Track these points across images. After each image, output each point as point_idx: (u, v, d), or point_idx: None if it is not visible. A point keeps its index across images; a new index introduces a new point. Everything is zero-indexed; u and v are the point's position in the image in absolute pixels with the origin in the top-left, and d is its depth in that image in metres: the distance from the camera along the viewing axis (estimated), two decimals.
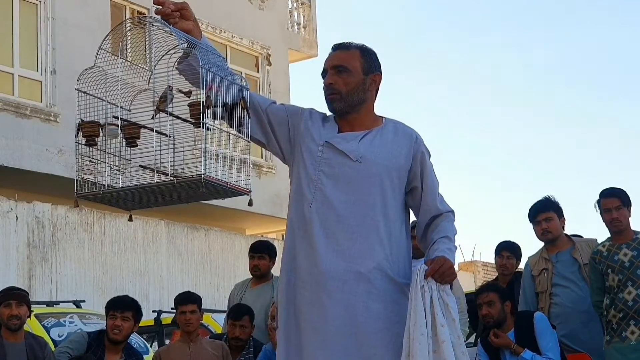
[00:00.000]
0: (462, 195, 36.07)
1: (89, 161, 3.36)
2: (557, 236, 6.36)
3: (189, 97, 3.31)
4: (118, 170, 3.38)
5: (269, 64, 18.23)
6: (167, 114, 3.31)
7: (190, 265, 15.48)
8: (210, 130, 3.25)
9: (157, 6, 3.33)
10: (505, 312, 5.94)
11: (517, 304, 6.43)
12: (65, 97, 13.23)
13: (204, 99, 3.19)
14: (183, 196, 3.38)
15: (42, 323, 8.18)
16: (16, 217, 12.76)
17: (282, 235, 25.49)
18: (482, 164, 37.81)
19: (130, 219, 3.62)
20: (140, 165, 3.36)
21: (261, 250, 6.95)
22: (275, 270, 5.64)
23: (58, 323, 8.44)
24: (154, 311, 10.92)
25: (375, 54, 3.56)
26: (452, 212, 3.51)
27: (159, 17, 3.34)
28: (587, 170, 38.05)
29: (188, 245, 15.47)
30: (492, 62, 38.40)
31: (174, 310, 6.75)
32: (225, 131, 3.34)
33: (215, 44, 17.50)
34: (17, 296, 6.12)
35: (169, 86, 3.32)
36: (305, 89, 37.31)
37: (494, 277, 9.30)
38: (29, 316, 6.34)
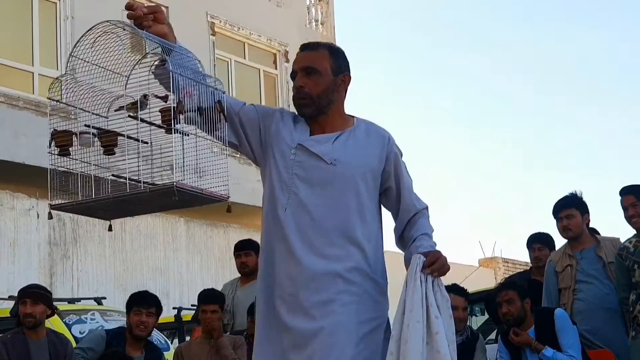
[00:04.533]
0: (483, 190, 35.99)
1: (64, 171, 3.28)
2: (578, 233, 6.33)
3: (166, 101, 3.24)
4: (95, 180, 3.31)
5: (287, 60, 18.23)
6: (138, 120, 3.25)
7: (210, 262, 15.52)
8: (188, 135, 3.20)
9: (129, 11, 3.23)
10: (525, 310, 5.93)
11: None
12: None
13: (176, 104, 3.12)
14: (161, 204, 3.30)
15: (64, 320, 8.21)
16: (37, 214, 12.83)
17: None
18: (504, 159, 37.71)
19: (109, 229, 3.58)
20: (112, 175, 3.29)
21: (246, 247, 6.99)
22: None
23: (79, 320, 8.47)
24: (174, 308, 10.97)
25: (343, 54, 3.52)
26: (427, 207, 3.50)
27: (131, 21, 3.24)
28: (619, 167, 37.77)
29: (207, 242, 15.51)
30: (519, 53, 38.21)
31: (195, 307, 6.76)
32: (199, 136, 3.28)
33: (233, 41, 17.56)
34: (32, 295, 6.13)
35: (144, 94, 3.26)
36: None
37: (514, 273, 9.28)
38: (52, 314, 6.36)
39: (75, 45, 3.28)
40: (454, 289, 6.30)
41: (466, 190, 36.22)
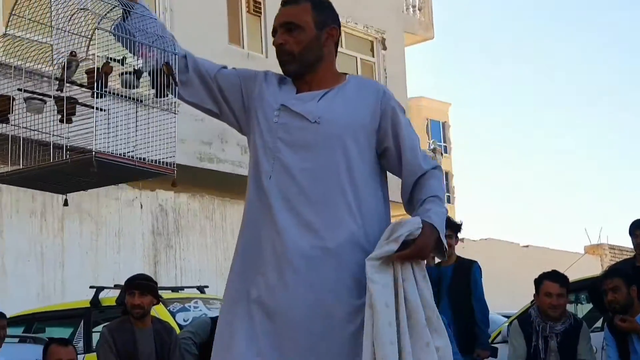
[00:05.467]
0: (589, 175, 35.29)
1: (4, 139, 3.05)
2: None
3: (123, 65, 3.04)
4: (45, 147, 3.05)
5: (384, 48, 18.17)
6: (68, 83, 3.01)
7: None
8: (142, 102, 3.00)
9: None
10: (631, 297, 5.81)
11: None
12: None
13: (101, 65, 2.91)
14: (108, 176, 3.03)
15: (168, 308, 8.36)
16: (141, 205, 13.09)
17: None
18: (611, 144, 36.88)
19: (65, 204, 3.29)
20: (36, 142, 3.05)
21: None
22: None
23: (183, 308, 8.61)
24: None
25: (329, 5, 3.22)
26: (439, 167, 3.14)
27: None
28: None
29: None
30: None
31: None
32: (137, 102, 3.03)
33: None
34: (140, 286, 6.27)
35: (72, 52, 3.04)
36: (422, 72, 37.06)
37: (622, 260, 9.09)
38: (157, 303, 6.49)
39: (16, 2, 3.08)
40: (549, 276, 6.22)
41: (572, 176, 35.57)
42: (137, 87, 3.04)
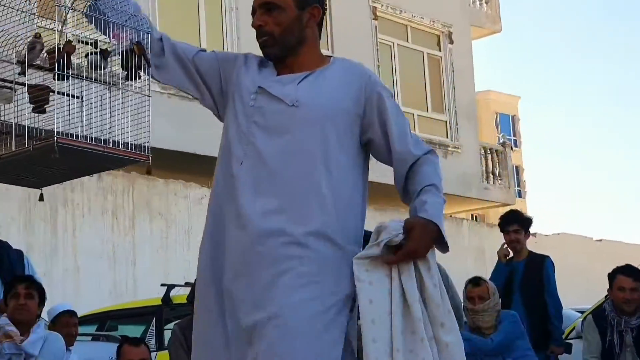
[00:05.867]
0: None
1: None
2: None
3: (96, 47, 2.92)
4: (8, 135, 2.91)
5: (451, 42, 18.02)
6: (31, 66, 2.88)
7: None
8: (113, 84, 2.86)
9: None
10: None
11: None
12: None
13: (62, 45, 2.77)
14: (81, 165, 2.89)
15: None
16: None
17: (472, 216, 25.16)
18: None
19: (40, 199, 3.16)
20: (3, 132, 2.92)
21: None
22: None
23: None
24: None
25: None
26: (432, 151, 2.94)
27: None
28: None
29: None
30: None
31: None
32: (109, 85, 2.88)
33: (396, 25, 17.50)
34: None
35: (36, 33, 2.91)
36: (490, 66, 36.72)
37: None
38: None
39: None
40: (622, 270, 6.17)
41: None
42: (105, 68, 2.90)
